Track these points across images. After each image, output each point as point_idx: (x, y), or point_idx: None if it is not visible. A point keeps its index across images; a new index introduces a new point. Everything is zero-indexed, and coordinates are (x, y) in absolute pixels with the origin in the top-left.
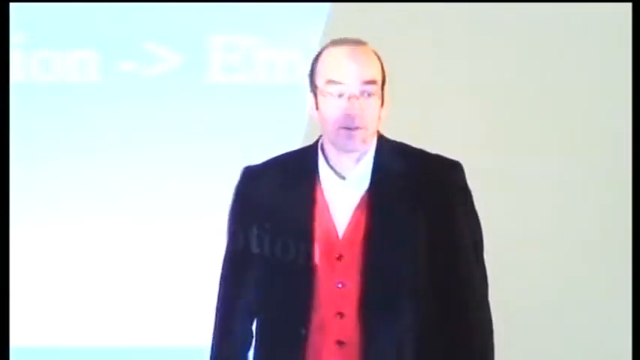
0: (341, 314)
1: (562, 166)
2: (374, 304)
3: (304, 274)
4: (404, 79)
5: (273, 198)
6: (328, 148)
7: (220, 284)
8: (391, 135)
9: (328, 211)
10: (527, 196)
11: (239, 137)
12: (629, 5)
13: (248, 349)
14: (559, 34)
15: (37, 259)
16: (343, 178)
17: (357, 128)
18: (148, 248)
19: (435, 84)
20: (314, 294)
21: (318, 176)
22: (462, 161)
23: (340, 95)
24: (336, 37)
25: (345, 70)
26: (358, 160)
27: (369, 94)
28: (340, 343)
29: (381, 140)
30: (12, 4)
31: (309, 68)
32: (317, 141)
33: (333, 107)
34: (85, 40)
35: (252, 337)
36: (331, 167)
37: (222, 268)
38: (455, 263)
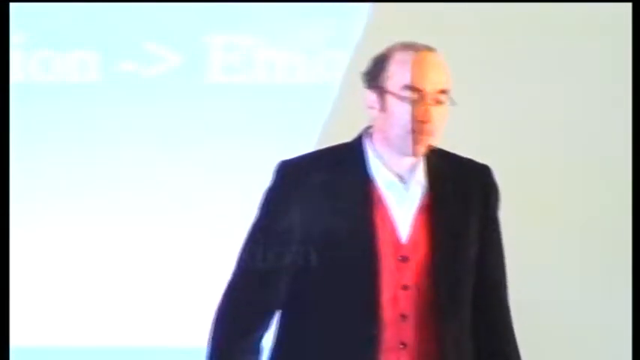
0: (404, 316)
1: (563, 166)
2: (438, 306)
3: (369, 275)
4: None
5: (323, 196)
6: (384, 149)
7: (242, 274)
8: None
9: (389, 213)
10: (530, 197)
11: (239, 138)
12: (629, 5)
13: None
14: (559, 34)
15: (37, 258)
16: (404, 181)
17: (426, 135)
18: (148, 248)
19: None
20: (380, 295)
21: (371, 177)
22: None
23: (416, 101)
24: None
25: (425, 77)
26: (415, 164)
27: (441, 103)
28: (403, 344)
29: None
30: (12, 4)
31: (370, 65)
32: (358, 139)
33: (406, 112)
34: (85, 41)
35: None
36: (389, 169)
37: (247, 260)
38: (497, 265)
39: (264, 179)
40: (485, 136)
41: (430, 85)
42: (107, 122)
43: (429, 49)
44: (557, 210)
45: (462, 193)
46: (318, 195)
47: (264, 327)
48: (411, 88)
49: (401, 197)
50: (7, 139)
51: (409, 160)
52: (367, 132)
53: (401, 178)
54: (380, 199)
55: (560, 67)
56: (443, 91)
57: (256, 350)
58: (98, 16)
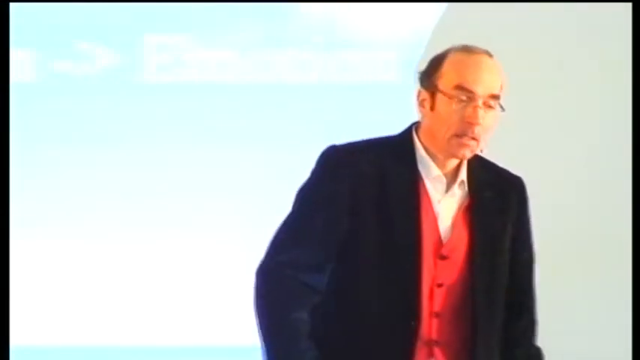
0: (436, 313)
1: (563, 165)
2: (473, 306)
3: (411, 270)
4: None
5: (373, 186)
6: (431, 147)
7: (285, 264)
8: None
9: (433, 211)
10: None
11: (174, 135)
12: (629, 5)
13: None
14: (560, 34)
15: (37, 258)
16: (450, 183)
17: (472, 138)
18: (148, 247)
19: None
20: (419, 291)
21: (419, 171)
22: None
23: (465, 102)
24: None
25: (478, 79)
26: (459, 165)
27: (491, 107)
28: (435, 342)
29: None
30: (12, 5)
31: (426, 65)
32: (408, 133)
33: (455, 112)
34: (21, 40)
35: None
36: (439, 167)
37: (289, 250)
38: (529, 271)
39: (200, 176)
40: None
41: (482, 88)
42: (44, 121)
43: (487, 53)
44: (561, 209)
45: (500, 200)
46: (368, 184)
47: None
48: (462, 88)
49: (444, 194)
50: (7, 139)
51: (454, 161)
52: (416, 127)
53: (446, 176)
54: (426, 194)
55: (561, 66)
56: (494, 96)
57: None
58: (35, 15)
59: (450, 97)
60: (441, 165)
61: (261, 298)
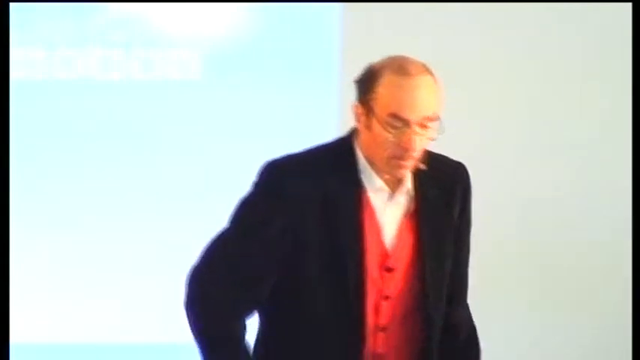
0: (382, 327)
1: (561, 165)
2: (417, 317)
3: (356, 284)
4: None
5: (313, 200)
6: (374, 158)
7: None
8: None
9: (377, 222)
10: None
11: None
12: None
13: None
14: (559, 34)
15: (37, 256)
16: (393, 191)
17: (409, 160)
18: (148, 245)
19: None
20: (364, 305)
21: (361, 182)
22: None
23: (401, 129)
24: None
25: (412, 106)
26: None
27: (426, 127)
28: (379, 356)
29: None
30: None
31: (361, 77)
32: (348, 142)
33: (390, 138)
34: None
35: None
36: (378, 175)
37: (231, 265)
38: (466, 263)
39: (123, 174)
40: (484, 134)
41: (416, 115)
42: None
43: (422, 71)
44: (552, 210)
45: (446, 195)
46: (309, 201)
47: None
48: (397, 116)
49: (388, 203)
50: (7, 138)
51: None
52: (354, 134)
53: (390, 184)
54: (369, 205)
55: (561, 66)
56: (431, 119)
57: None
58: None
59: (385, 124)
60: (383, 176)
61: (195, 306)
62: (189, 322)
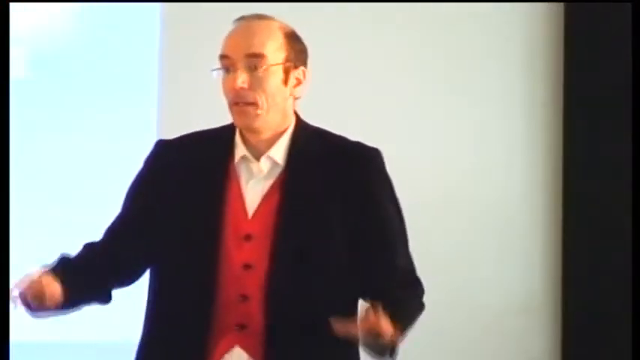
0: (244, 297)
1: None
2: (280, 288)
3: (209, 252)
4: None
5: (185, 172)
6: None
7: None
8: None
9: (240, 190)
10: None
11: None
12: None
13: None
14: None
15: (37, 254)
16: (257, 158)
17: (246, 103)
18: None
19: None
20: (218, 274)
21: (233, 155)
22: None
23: (227, 69)
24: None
25: (234, 43)
26: (273, 141)
27: (256, 68)
28: (242, 326)
29: (299, 124)
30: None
31: None
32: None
33: (224, 82)
34: None
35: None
36: (247, 147)
37: (108, 232)
38: (380, 250)
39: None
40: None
41: (236, 51)
42: None
43: (258, 17)
44: (480, 201)
45: (329, 174)
46: (179, 175)
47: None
48: (222, 56)
49: (252, 173)
50: (7, 138)
51: (265, 136)
52: None
53: (255, 156)
54: (235, 176)
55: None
56: (254, 56)
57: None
58: None
59: (220, 69)
60: (253, 144)
61: None
62: None
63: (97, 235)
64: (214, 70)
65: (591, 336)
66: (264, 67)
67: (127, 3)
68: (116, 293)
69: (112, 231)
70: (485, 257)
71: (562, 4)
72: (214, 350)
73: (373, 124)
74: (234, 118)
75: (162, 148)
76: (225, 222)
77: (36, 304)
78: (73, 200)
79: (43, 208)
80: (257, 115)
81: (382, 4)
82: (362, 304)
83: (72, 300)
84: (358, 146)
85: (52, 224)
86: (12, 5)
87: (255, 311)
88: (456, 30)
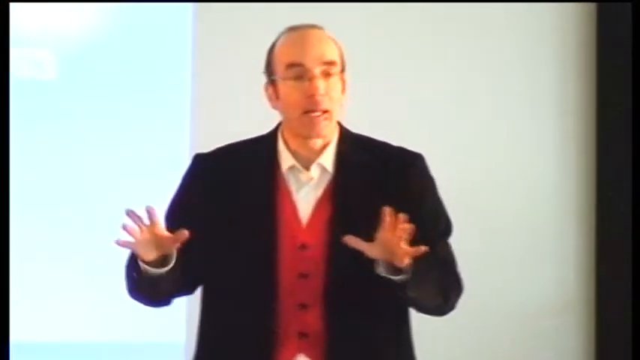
0: (303, 305)
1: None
2: (338, 295)
3: (268, 262)
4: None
5: (230, 184)
6: (290, 136)
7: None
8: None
9: (291, 199)
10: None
11: None
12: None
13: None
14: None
15: (37, 254)
16: (307, 167)
17: (320, 110)
18: None
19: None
20: (277, 284)
21: (279, 164)
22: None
23: (300, 77)
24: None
25: (303, 51)
26: (321, 150)
27: (329, 75)
28: (303, 334)
29: (343, 131)
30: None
31: (265, 64)
32: (275, 129)
33: (295, 90)
34: None
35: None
36: (294, 156)
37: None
38: (439, 265)
39: None
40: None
41: (311, 57)
42: None
43: (312, 26)
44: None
45: (376, 180)
46: (224, 189)
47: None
48: (293, 64)
49: (301, 182)
50: (7, 138)
51: (315, 145)
52: (280, 125)
53: (304, 165)
54: (285, 186)
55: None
56: (329, 63)
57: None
58: None
59: (286, 78)
60: (302, 151)
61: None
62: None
63: None
64: (282, 79)
65: (625, 336)
66: (336, 74)
67: (158, 3)
68: (116, 294)
69: None
70: (519, 258)
71: (594, 4)
72: (278, 359)
73: (400, 126)
74: (300, 128)
75: (202, 161)
76: (280, 232)
77: (150, 248)
78: (102, 201)
79: (72, 209)
80: (327, 124)
81: (411, 4)
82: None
83: (174, 273)
84: (402, 152)
85: (82, 225)
86: (38, 6)
87: (315, 320)
88: (486, 30)
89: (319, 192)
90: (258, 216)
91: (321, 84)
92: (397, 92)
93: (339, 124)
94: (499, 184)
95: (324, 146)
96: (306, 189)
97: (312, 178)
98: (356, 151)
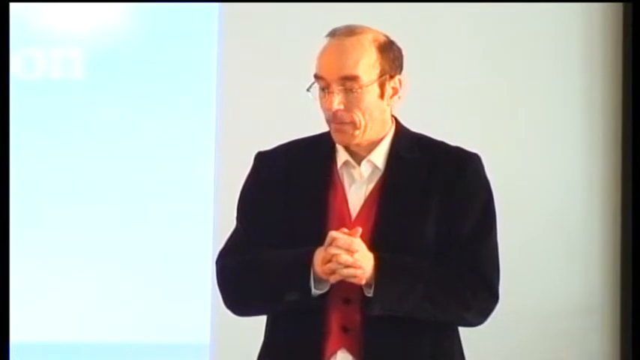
0: (347, 300)
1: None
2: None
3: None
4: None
5: (290, 181)
6: None
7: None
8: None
9: (344, 195)
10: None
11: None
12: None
13: None
14: (558, 33)
15: (37, 254)
16: (358, 163)
17: (342, 123)
18: (147, 245)
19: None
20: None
21: (336, 160)
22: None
23: (323, 89)
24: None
25: (327, 64)
26: (373, 146)
27: (351, 90)
28: (346, 329)
29: (399, 129)
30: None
31: None
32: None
33: (320, 100)
34: None
35: None
36: (348, 152)
37: (227, 251)
38: (466, 252)
39: None
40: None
41: (330, 73)
42: None
43: (349, 33)
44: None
45: (428, 179)
46: (285, 180)
47: None
48: (317, 76)
49: (353, 178)
50: (7, 138)
51: (366, 143)
52: None
53: (358, 160)
54: (339, 181)
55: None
56: (345, 78)
57: None
58: None
59: (314, 88)
60: (353, 151)
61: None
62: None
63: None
64: (309, 88)
65: None
66: (358, 88)
67: (185, 3)
68: (116, 294)
69: (241, 246)
70: (544, 258)
71: (621, 3)
72: (323, 353)
73: (439, 125)
74: (332, 135)
75: (265, 159)
76: (330, 227)
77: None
78: (131, 201)
79: (101, 209)
80: (355, 135)
81: (444, 4)
82: None
83: None
84: (459, 151)
85: (116, 225)
86: (67, 6)
87: (357, 314)
88: (516, 29)
89: (369, 188)
90: (311, 211)
91: (336, 99)
92: (438, 93)
93: (396, 120)
94: (529, 185)
95: (376, 143)
96: (357, 185)
97: (362, 175)
98: (409, 148)
